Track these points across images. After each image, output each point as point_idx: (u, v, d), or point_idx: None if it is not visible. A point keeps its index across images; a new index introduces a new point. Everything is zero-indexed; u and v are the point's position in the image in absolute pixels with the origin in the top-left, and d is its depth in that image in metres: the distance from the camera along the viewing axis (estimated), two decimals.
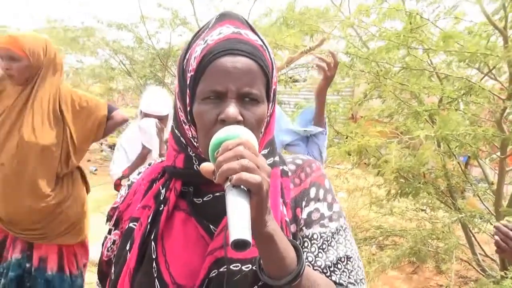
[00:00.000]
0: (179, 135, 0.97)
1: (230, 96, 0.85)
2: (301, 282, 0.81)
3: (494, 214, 3.52)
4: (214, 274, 0.88)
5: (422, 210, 4.30)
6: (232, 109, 0.84)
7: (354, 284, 0.93)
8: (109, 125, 2.70)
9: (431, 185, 3.72)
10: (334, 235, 0.95)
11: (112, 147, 9.60)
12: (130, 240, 0.98)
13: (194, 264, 0.91)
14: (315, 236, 0.95)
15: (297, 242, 0.90)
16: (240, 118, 0.85)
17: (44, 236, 2.53)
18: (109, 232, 1.09)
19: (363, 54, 3.23)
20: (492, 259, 3.96)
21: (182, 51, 0.96)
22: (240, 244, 0.67)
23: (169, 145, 1.02)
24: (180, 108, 0.95)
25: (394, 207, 4.03)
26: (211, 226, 0.93)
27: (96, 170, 8.87)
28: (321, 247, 0.94)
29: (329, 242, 0.94)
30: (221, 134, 0.80)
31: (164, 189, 0.99)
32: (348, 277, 0.93)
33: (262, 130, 0.93)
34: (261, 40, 0.92)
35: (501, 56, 2.84)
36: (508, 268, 3.51)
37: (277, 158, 1.02)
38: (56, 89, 2.48)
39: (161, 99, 3.10)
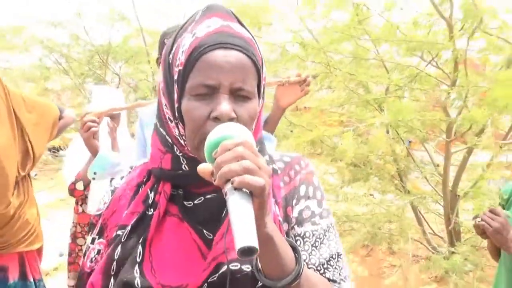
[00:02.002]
0: (164, 133, 0.92)
1: (223, 91, 0.81)
2: (300, 282, 0.79)
3: (442, 195, 3.69)
4: (213, 278, 0.85)
5: (371, 195, 4.43)
6: (225, 106, 0.80)
7: (344, 281, 0.93)
8: (60, 124, 2.54)
9: (381, 170, 3.83)
10: (326, 232, 0.94)
11: (51, 150, 9.06)
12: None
13: (186, 270, 0.87)
14: (307, 234, 0.93)
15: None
16: (233, 115, 0.81)
17: (6, 245, 2.35)
18: (92, 241, 1.01)
19: (316, 46, 3.22)
20: (440, 237, 4.15)
21: (167, 45, 0.90)
22: (247, 251, 0.65)
23: (153, 145, 0.96)
24: (165, 105, 0.89)
25: (345, 193, 4.10)
26: (205, 231, 0.89)
27: (36, 175, 8.34)
28: (314, 244, 0.93)
29: (321, 239, 0.93)
30: (218, 133, 0.76)
31: (152, 192, 0.94)
32: (339, 274, 0.93)
33: (253, 127, 0.89)
34: (249, 33, 0.88)
35: (446, 45, 2.94)
36: (456, 244, 3.72)
37: (267, 157, 0.99)
38: (2, 89, 2.28)
39: (111, 97, 2.93)
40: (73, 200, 2.93)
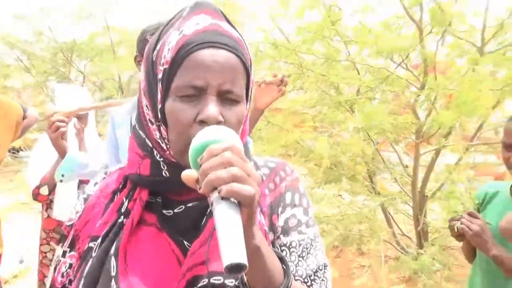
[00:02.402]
0: (143, 136, 0.86)
1: (210, 92, 0.76)
2: None
3: (411, 195, 3.73)
4: None
5: (339, 195, 4.44)
6: (213, 109, 0.75)
7: None
8: (24, 124, 2.42)
9: (352, 171, 3.83)
10: (312, 242, 0.90)
11: (11, 151, 8.67)
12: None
13: (164, 283, 0.81)
14: (293, 244, 0.88)
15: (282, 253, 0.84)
16: (221, 118, 0.76)
17: None
18: (63, 254, 0.93)
19: (288, 46, 3.19)
20: (408, 237, 4.20)
21: (151, 42, 0.85)
22: (235, 268, 0.60)
23: (130, 149, 0.90)
24: (146, 106, 0.83)
25: (318, 195, 4.09)
26: (185, 242, 0.83)
27: None
28: (301, 255, 0.88)
29: (308, 249, 0.88)
30: (203, 137, 0.70)
31: (127, 200, 0.88)
32: (326, 286, 0.89)
33: (240, 131, 0.84)
34: (238, 33, 0.84)
35: (416, 48, 2.97)
36: (424, 245, 3.77)
37: (252, 163, 0.94)
38: None
39: (77, 96, 2.79)
40: (36, 203, 2.79)
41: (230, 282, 0.78)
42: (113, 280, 0.81)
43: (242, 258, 0.60)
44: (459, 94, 2.55)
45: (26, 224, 5.19)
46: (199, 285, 0.78)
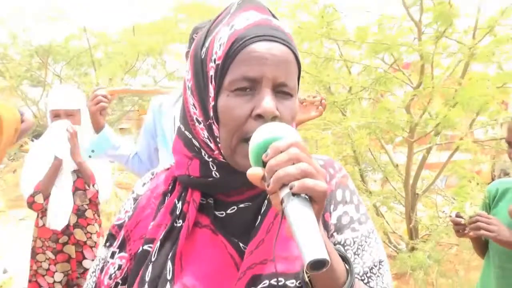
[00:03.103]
0: (190, 137, 0.85)
1: (265, 85, 0.75)
2: None
3: (404, 195, 3.76)
4: None
5: None
6: (270, 102, 0.74)
7: None
8: (22, 128, 2.28)
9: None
10: (366, 238, 0.87)
11: None
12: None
13: (221, 284, 0.80)
14: (348, 242, 0.86)
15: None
16: (277, 113, 0.74)
17: None
18: (112, 255, 0.90)
19: None
20: (399, 235, 4.23)
21: (198, 39, 0.84)
22: (318, 264, 0.59)
23: (176, 150, 0.89)
24: (193, 105, 0.82)
25: None
26: (241, 244, 0.82)
27: None
28: (356, 252, 0.86)
29: (363, 246, 0.87)
30: (265, 133, 0.69)
31: (180, 202, 0.86)
32: (382, 281, 0.86)
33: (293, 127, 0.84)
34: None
35: (415, 48, 2.99)
36: (415, 242, 3.81)
37: None
38: None
39: (70, 93, 2.67)
40: (15, 210, 2.66)
41: (291, 283, 0.77)
42: (168, 284, 0.80)
43: (325, 254, 0.59)
44: (464, 91, 2.56)
45: (4, 233, 4.94)
46: (259, 286, 0.77)
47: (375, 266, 0.86)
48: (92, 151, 1.99)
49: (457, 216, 1.85)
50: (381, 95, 3.77)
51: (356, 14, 3.31)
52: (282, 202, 0.63)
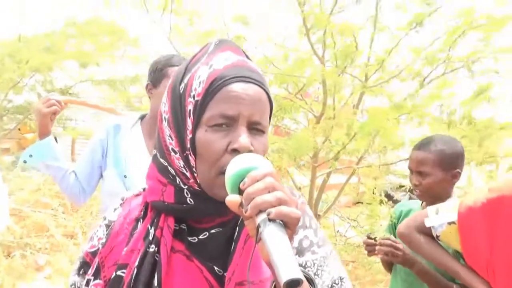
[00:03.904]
0: (166, 164, 0.89)
1: (241, 123, 0.81)
2: None
3: None
4: None
5: None
6: (245, 138, 0.80)
7: None
8: None
9: None
10: (325, 259, 0.95)
11: None
12: None
13: None
14: (308, 264, 0.93)
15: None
16: (252, 148, 0.80)
17: None
18: (87, 283, 0.91)
19: None
20: None
21: (176, 75, 0.89)
22: (292, 283, 0.64)
23: (150, 176, 0.93)
24: (170, 136, 0.87)
25: None
26: (215, 268, 0.86)
27: None
28: (316, 273, 0.92)
29: (322, 267, 0.94)
30: (242, 163, 0.74)
31: (153, 228, 0.89)
32: None
33: None
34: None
35: (318, 79, 3.18)
36: None
37: None
38: None
39: None
40: None
41: None
42: None
43: (300, 274, 0.64)
44: (365, 124, 2.80)
45: None
46: None
47: (336, 283, 0.93)
48: (30, 156, 1.88)
49: (368, 237, 2.02)
50: (277, 125, 3.89)
51: (265, 46, 3.43)
52: (258, 227, 0.68)
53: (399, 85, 3.69)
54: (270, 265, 0.71)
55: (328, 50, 3.26)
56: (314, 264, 0.92)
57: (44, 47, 5.15)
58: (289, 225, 0.68)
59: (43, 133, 1.87)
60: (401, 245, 1.83)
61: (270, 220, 0.67)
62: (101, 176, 2.01)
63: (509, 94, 3.76)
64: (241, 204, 0.71)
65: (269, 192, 0.69)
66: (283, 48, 3.43)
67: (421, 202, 2.02)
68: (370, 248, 1.99)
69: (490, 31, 3.29)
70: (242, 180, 0.72)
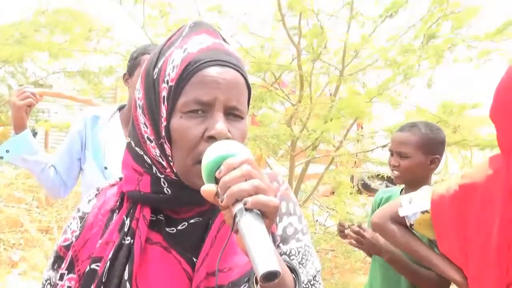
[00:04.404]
0: (141, 153, 0.86)
1: (217, 108, 0.78)
2: None
3: None
4: None
5: None
6: (222, 124, 0.77)
7: None
8: None
9: None
10: (308, 248, 0.93)
11: None
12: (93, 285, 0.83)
13: None
14: (293, 252, 0.90)
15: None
16: (229, 135, 0.77)
17: None
18: (61, 277, 0.88)
19: None
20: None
21: (150, 60, 0.86)
22: (270, 276, 0.62)
23: (126, 165, 0.90)
24: (144, 124, 0.84)
25: None
26: (194, 259, 0.83)
27: None
28: (300, 262, 0.90)
29: (306, 256, 0.92)
30: (218, 151, 0.71)
31: (128, 219, 0.86)
32: None
33: None
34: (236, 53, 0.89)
35: (294, 68, 3.17)
36: None
37: None
38: None
39: None
40: None
41: None
42: None
43: (277, 266, 0.62)
44: (340, 103, 2.80)
45: None
46: None
47: (316, 275, 0.91)
48: (7, 151, 1.83)
49: (341, 224, 2.06)
50: (253, 114, 3.88)
51: (241, 36, 3.39)
52: (235, 217, 0.65)
53: (376, 72, 3.73)
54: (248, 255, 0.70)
55: (303, 39, 3.24)
56: (298, 252, 0.90)
57: (13, 37, 5.01)
58: (267, 215, 0.66)
59: (19, 126, 1.82)
60: (368, 233, 1.85)
61: (246, 209, 0.65)
62: (81, 169, 1.98)
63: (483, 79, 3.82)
64: (217, 194, 0.68)
65: (246, 180, 0.66)
66: (259, 38, 3.39)
67: (400, 189, 2.04)
68: (343, 234, 2.03)
69: (463, 20, 3.33)
70: (219, 168, 0.69)
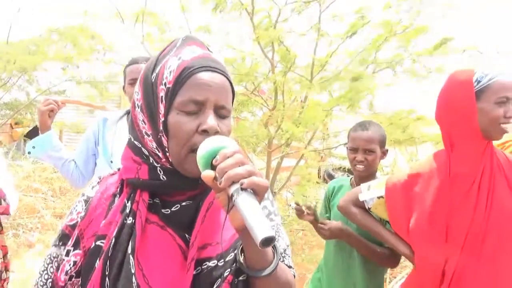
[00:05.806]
0: (140, 146, 0.94)
1: (208, 107, 0.86)
2: (277, 271, 0.85)
3: None
4: (198, 276, 0.89)
5: None
6: (213, 120, 0.86)
7: (293, 267, 1.00)
8: None
9: None
10: (280, 227, 1.01)
11: None
12: (99, 259, 0.89)
13: (174, 275, 0.89)
14: None
15: None
16: (218, 129, 0.86)
17: None
18: (67, 253, 0.94)
19: None
20: None
21: (147, 66, 0.94)
22: (267, 241, 0.69)
23: (126, 157, 0.97)
24: (143, 121, 0.92)
25: None
26: (187, 236, 0.91)
27: None
28: None
29: (278, 233, 0.99)
30: (214, 143, 0.80)
31: (129, 202, 0.93)
32: (289, 261, 1.00)
33: None
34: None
35: (270, 78, 3.72)
36: None
37: None
38: None
39: None
40: None
41: (220, 263, 0.88)
42: (133, 277, 0.86)
43: (273, 232, 0.69)
44: (305, 114, 3.35)
45: None
46: (203, 267, 0.88)
47: (287, 248, 1.00)
48: (33, 147, 2.03)
49: (296, 204, 2.22)
50: (237, 117, 4.41)
51: (226, 51, 3.94)
52: (232, 196, 0.73)
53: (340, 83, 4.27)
54: (240, 230, 0.78)
55: (276, 54, 3.80)
56: (272, 229, 0.88)
57: (30, 50, 5.50)
58: (258, 193, 0.73)
59: (44, 128, 2.03)
60: (327, 225, 1.99)
61: (242, 189, 0.72)
62: (95, 163, 2.20)
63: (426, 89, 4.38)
64: (215, 178, 0.74)
65: (239, 166, 0.73)
66: (240, 53, 3.94)
67: (350, 178, 2.20)
68: (299, 213, 2.16)
69: (408, 38, 3.89)
70: (214, 157, 0.77)
